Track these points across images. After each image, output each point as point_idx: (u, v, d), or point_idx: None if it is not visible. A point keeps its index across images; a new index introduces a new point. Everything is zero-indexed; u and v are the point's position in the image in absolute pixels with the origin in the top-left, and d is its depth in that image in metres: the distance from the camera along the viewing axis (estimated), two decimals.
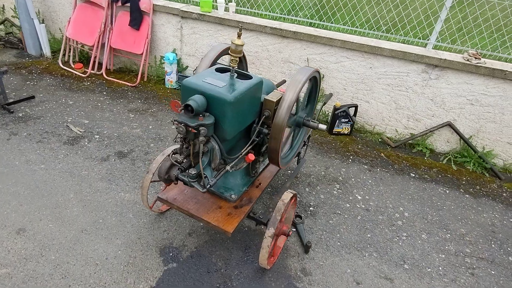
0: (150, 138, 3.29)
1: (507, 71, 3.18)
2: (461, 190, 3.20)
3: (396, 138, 3.86)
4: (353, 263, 2.30)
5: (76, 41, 4.48)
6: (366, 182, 3.12)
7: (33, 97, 3.71)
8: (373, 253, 2.40)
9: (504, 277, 2.35)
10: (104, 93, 4.01)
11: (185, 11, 3.96)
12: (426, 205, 2.93)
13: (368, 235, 2.54)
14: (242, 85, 1.67)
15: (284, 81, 3.37)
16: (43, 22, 4.76)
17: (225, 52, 2.20)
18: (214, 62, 2.12)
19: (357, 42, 3.52)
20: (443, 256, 2.46)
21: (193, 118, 1.56)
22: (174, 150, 1.82)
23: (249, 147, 1.89)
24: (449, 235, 2.65)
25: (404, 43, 3.72)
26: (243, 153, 1.84)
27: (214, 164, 1.73)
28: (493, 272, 2.38)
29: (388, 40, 3.70)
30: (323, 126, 2.11)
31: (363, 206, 2.82)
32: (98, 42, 4.21)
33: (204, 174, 1.63)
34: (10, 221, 2.27)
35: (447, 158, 3.64)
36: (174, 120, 1.57)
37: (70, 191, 2.57)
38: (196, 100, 1.53)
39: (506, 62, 3.40)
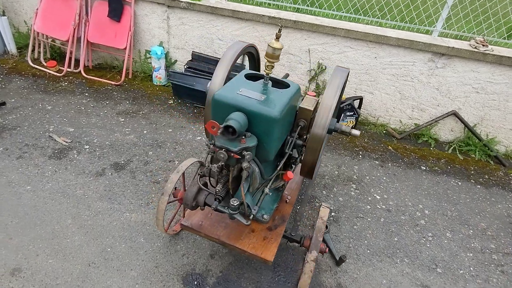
0: (147, 145, 2.98)
1: None
2: (471, 181, 3.17)
3: (401, 129, 3.78)
4: (386, 272, 2.19)
5: (46, 36, 3.98)
6: (381, 179, 3.01)
7: (3, 103, 3.25)
8: (404, 258, 2.30)
9: None
10: (86, 94, 3.59)
11: (172, 0, 3.58)
12: (443, 200, 2.86)
13: (395, 239, 2.43)
14: (283, 97, 1.44)
15: (287, 75, 3.14)
16: (4, 15, 4.18)
17: (244, 51, 1.93)
18: (233, 64, 1.85)
19: (361, 31, 3.33)
20: (471, 255, 2.40)
21: (234, 141, 1.31)
22: (201, 172, 1.57)
23: (283, 162, 1.67)
24: (471, 231, 2.60)
25: (409, 30, 3.57)
26: (280, 171, 1.62)
27: (253, 189, 1.51)
28: None
29: (392, 28, 3.54)
30: (356, 132, 1.92)
31: (384, 206, 2.71)
32: (73, 36, 3.75)
33: (246, 203, 1.40)
34: (1, 260, 1.94)
35: (452, 148, 3.60)
36: (211, 144, 1.31)
37: (66, 216, 2.25)
38: (237, 120, 1.28)
39: None
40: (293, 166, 1.93)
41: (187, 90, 3.54)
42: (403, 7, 3.55)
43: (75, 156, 2.75)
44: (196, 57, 3.82)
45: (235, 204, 1.36)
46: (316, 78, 3.71)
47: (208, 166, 1.47)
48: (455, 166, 3.34)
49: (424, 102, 3.58)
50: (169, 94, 3.78)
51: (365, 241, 2.38)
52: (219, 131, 1.28)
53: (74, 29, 3.72)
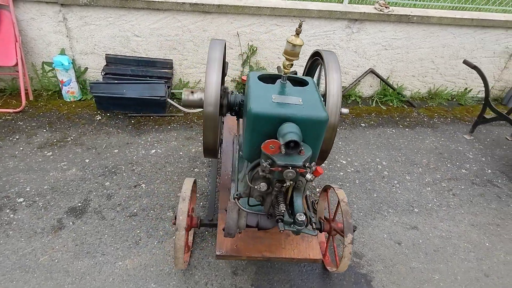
0: (99, 175, 2.52)
1: (409, 15, 3.64)
2: (400, 126, 3.69)
3: None
4: (383, 226, 2.44)
5: None
6: (337, 144, 3.24)
7: None
8: (389, 210, 2.59)
9: (470, 188, 2.92)
10: None
11: None
12: (390, 149, 3.27)
13: (375, 195, 2.71)
14: (314, 94, 1.38)
15: (226, 63, 3.01)
16: None
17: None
18: (223, 64, 1.68)
19: (285, 8, 3.37)
20: (429, 188, 2.86)
21: (293, 155, 1.21)
22: (237, 194, 1.42)
23: None
24: (421, 169, 3.06)
25: (323, 1, 3.77)
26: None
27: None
28: (462, 187, 2.92)
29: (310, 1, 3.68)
30: (345, 110, 1.99)
31: (352, 169, 2.95)
32: None
33: (308, 214, 1.33)
34: None
35: (374, 101, 4.09)
36: (271, 167, 1.18)
37: None
38: (296, 132, 1.18)
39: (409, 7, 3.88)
40: None
41: (116, 100, 3.07)
42: None
43: (12, 216, 2.15)
44: (112, 60, 3.31)
45: (303, 219, 1.27)
46: (248, 60, 3.65)
47: (253, 186, 1.33)
48: (383, 116, 3.82)
49: (347, 66, 3.92)
50: (92, 109, 3.21)
51: (355, 206, 2.58)
52: (282, 150, 1.16)
53: None
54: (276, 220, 1.28)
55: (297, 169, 1.19)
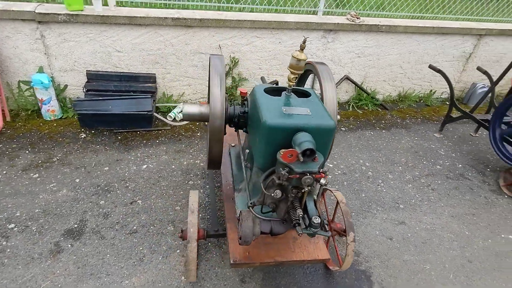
0: (92, 195, 2.47)
1: (378, 25, 3.90)
2: (377, 128, 3.91)
3: None
4: (374, 224, 2.58)
5: None
6: None
7: None
8: (377, 208, 2.75)
9: (445, 182, 3.16)
10: None
11: (44, 14, 2.87)
12: (371, 150, 3.47)
13: (363, 195, 2.86)
14: (319, 105, 1.48)
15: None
16: None
17: None
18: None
19: (265, 20, 3.50)
20: (410, 185, 3.06)
21: (308, 162, 1.30)
22: (251, 203, 1.48)
23: None
24: (400, 167, 3.28)
25: (298, 13, 3.94)
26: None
27: None
28: (439, 182, 3.15)
29: (286, 13, 3.83)
30: (338, 116, 2.12)
31: (339, 171, 3.10)
32: None
33: (322, 217, 1.42)
34: None
35: (350, 105, 4.31)
36: (288, 175, 1.25)
37: None
38: (311, 140, 1.27)
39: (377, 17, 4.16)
40: None
41: (100, 117, 3.02)
42: None
43: (5, 243, 2.05)
44: (94, 77, 3.26)
45: (319, 221, 1.36)
46: (231, 72, 3.73)
47: (268, 194, 1.41)
48: (361, 120, 4.04)
49: None
50: (75, 126, 3.13)
51: None
52: (300, 158, 1.24)
53: None
54: (293, 225, 1.36)
55: (313, 175, 1.28)
